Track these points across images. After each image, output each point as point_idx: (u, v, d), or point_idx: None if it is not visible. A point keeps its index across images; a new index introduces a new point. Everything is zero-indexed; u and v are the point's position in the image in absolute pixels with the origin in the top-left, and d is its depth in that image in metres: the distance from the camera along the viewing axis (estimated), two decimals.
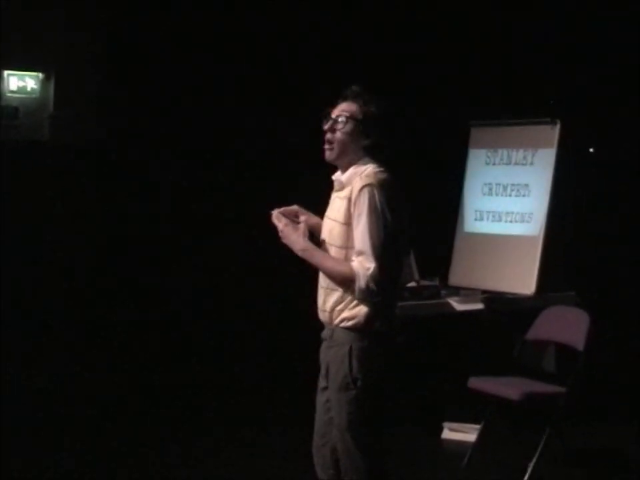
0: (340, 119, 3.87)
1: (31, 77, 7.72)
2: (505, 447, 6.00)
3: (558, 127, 6.85)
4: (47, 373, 7.20)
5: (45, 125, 7.81)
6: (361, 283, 3.70)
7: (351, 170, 3.87)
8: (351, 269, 3.73)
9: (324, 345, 3.94)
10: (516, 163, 7.12)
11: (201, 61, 7.91)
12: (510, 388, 5.62)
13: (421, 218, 7.27)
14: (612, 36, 7.67)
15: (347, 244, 3.80)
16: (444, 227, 7.41)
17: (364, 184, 3.75)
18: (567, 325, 5.93)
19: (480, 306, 6.59)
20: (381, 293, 3.73)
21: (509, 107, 7.45)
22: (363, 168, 3.85)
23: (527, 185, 7.00)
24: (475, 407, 5.95)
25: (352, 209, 3.77)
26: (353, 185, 3.79)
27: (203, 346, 7.71)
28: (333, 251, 3.85)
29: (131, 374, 7.34)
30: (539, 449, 5.51)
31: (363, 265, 3.70)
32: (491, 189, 7.25)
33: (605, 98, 7.68)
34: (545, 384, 5.80)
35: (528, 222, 6.93)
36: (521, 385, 5.67)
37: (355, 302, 3.79)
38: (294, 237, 3.88)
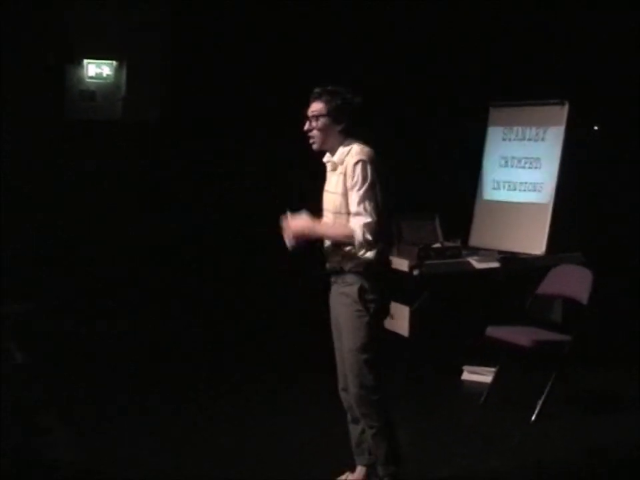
0: (313, 119, 4.21)
1: (106, 64, 7.71)
2: (517, 388, 6.01)
3: (566, 107, 6.80)
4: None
5: (118, 106, 7.82)
6: (359, 236, 4.04)
7: (340, 150, 4.20)
8: (349, 227, 4.08)
9: (334, 288, 4.27)
10: (529, 139, 7.07)
11: (264, 45, 7.84)
12: (522, 336, 5.62)
13: (445, 187, 7.30)
14: (617, 22, 7.56)
15: (347, 210, 4.13)
16: (465, 195, 7.39)
17: (356, 159, 4.10)
18: (573, 282, 5.90)
19: (496, 264, 6.57)
20: (376, 242, 4.07)
21: (523, 90, 7.39)
22: (348, 148, 4.18)
23: (538, 159, 6.96)
24: (491, 353, 5.97)
25: (347, 181, 4.11)
26: (347, 162, 4.13)
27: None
28: (338, 217, 4.16)
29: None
30: (547, 390, 5.53)
31: (359, 223, 4.04)
32: (506, 162, 7.21)
33: (609, 80, 7.59)
34: (552, 333, 5.79)
35: (539, 191, 6.90)
36: (531, 334, 5.67)
37: (360, 253, 4.13)
38: (299, 225, 4.16)
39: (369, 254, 4.13)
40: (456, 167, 7.67)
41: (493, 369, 5.98)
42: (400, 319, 6.76)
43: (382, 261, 4.20)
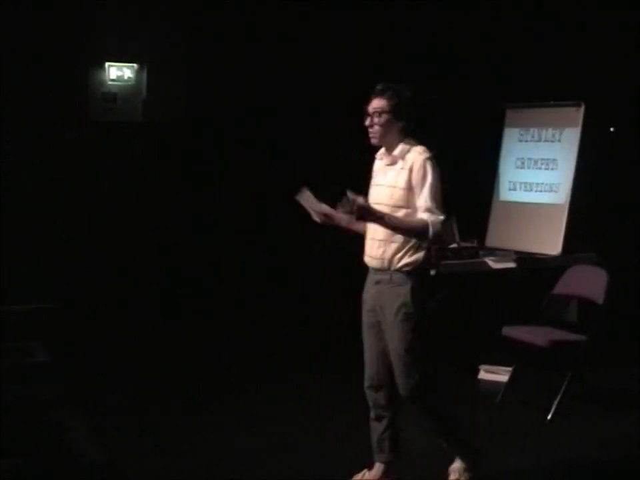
0: (375, 114, 4.20)
1: (127, 67, 7.74)
2: (532, 387, 6.01)
3: (582, 109, 6.80)
4: None
5: (139, 108, 7.86)
6: (434, 230, 4.04)
7: (400, 147, 4.20)
8: (424, 221, 4.05)
9: (378, 287, 4.21)
10: (545, 140, 7.08)
11: (283, 49, 7.85)
12: (538, 336, 5.63)
13: (462, 188, 7.28)
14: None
15: (408, 204, 4.13)
16: (482, 196, 7.40)
17: (425, 158, 4.12)
18: (589, 282, 5.90)
19: (513, 265, 6.58)
20: (441, 239, 4.20)
21: (539, 91, 7.39)
22: (408, 145, 4.19)
23: (554, 160, 6.96)
24: (507, 352, 5.98)
25: (413, 177, 4.11)
26: (414, 158, 4.14)
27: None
28: (396, 211, 4.13)
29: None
30: (563, 389, 5.54)
31: (433, 218, 4.04)
32: (523, 163, 7.21)
33: (625, 82, 7.56)
34: (568, 333, 5.80)
35: (555, 192, 6.90)
36: (547, 334, 5.68)
37: (412, 250, 4.14)
38: (369, 208, 4.09)
39: (419, 253, 4.14)
40: (473, 168, 7.67)
41: (509, 369, 5.99)
42: None
43: (429, 260, 4.25)
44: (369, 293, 4.30)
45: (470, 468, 4.36)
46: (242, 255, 7.95)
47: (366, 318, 4.34)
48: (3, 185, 7.09)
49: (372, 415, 4.40)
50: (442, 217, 4.07)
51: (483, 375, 6.37)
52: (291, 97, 7.95)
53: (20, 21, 7.20)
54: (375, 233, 4.23)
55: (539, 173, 7.06)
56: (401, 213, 4.13)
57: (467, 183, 7.47)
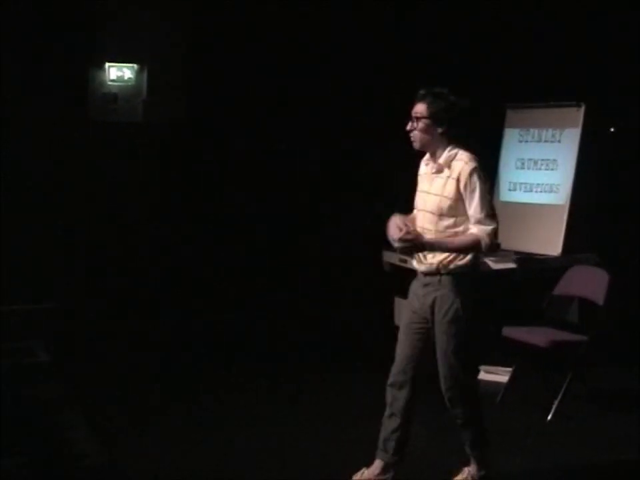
0: (415, 119, 4.20)
1: (127, 67, 7.74)
2: (533, 388, 5.99)
3: (583, 109, 6.79)
4: None
5: (139, 108, 7.86)
6: (487, 241, 4.08)
7: (445, 155, 4.20)
8: (475, 235, 4.10)
9: (427, 289, 4.24)
10: (545, 141, 7.07)
11: (283, 49, 7.89)
12: (538, 336, 5.62)
13: None
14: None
15: (456, 213, 4.15)
16: None
17: (472, 168, 4.11)
18: (589, 282, 5.89)
19: (513, 265, 6.57)
20: (498, 246, 4.19)
21: (540, 92, 7.38)
22: (453, 153, 4.19)
23: (554, 160, 6.95)
24: (508, 353, 5.96)
25: (462, 188, 4.11)
26: (461, 168, 4.12)
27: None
28: (442, 220, 4.17)
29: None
30: (563, 390, 5.53)
31: (486, 230, 4.08)
32: (523, 163, 7.21)
33: (626, 82, 7.56)
34: (569, 333, 5.79)
35: (555, 192, 6.89)
36: (548, 334, 5.67)
37: (462, 255, 4.16)
38: (419, 243, 4.12)
39: (468, 257, 4.17)
40: None
41: (510, 369, 5.98)
42: None
43: (477, 263, 4.26)
44: (416, 295, 4.33)
45: (481, 464, 4.42)
46: (242, 254, 7.95)
47: (407, 318, 4.39)
48: (3, 184, 7.09)
49: (387, 412, 4.43)
50: (492, 227, 4.09)
51: (483, 375, 6.34)
52: (291, 97, 7.95)
53: (20, 21, 7.19)
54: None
55: (539, 174, 7.05)
56: (448, 222, 4.16)
57: None
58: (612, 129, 7.60)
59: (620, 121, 7.49)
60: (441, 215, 4.18)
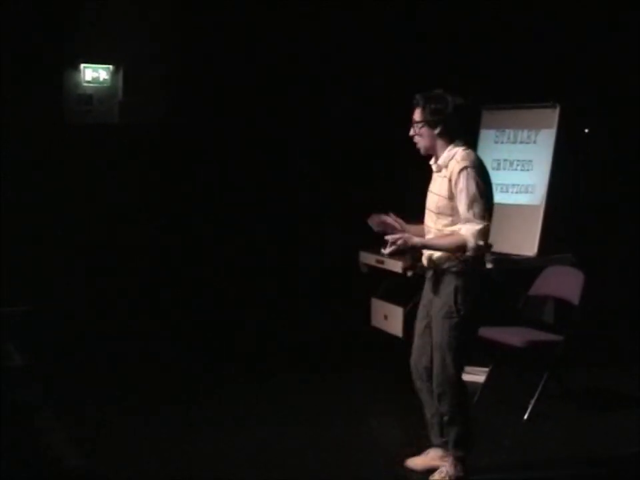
0: (415, 125, 4.33)
1: (103, 69, 7.71)
2: (509, 388, 6.02)
3: (558, 109, 6.81)
4: None
5: (115, 110, 7.82)
6: (472, 243, 4.13)
7: (445, 154, 4.29)
8: (461, 236, 4.15)
9: (430, 285, 4.39)
10: (521, 142, 7.08)
11: (259, 49, 7.89)
12: (514, 336, 5.63)
13: None
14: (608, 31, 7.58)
15: (452, 212, 4.23)
16: None
17: (461, 167, 4.18)
18: (564, 282, 5.91)
19: (489, 265, 6.57)
20: (487, 246, 4.22)
21: (515, 93, 7.40)
22: (453, 151, 4.27)
23: (530, 161, 6.97)
24: (484, 353, 5.96)
25: (453, 187, 4.19)
26: (453, 168, 4.21)
27: None
28: (440, 218, 4.28)
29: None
30: (539, 389, 5.55)
31: (471, 230, 4.12)
32: (499, 164, 7.21)
33: (600, 84, 7.61)
34: (544, 333, 5.81)
35: (531, 193, 6.91)
36: (524, 334, 5.68)
37: (457, 254, 4.23)
38: (409, 242, 4.22)
39: (467, 254, 4.21)
40: None
41: (486, 369, 5.99)
42: (394, 320, 6.78)
43: (479, 260, 4.30)
44: (424, 290, 4.49)
45: (459, 465, 4.46)
46: (229, 254, 7.95)
47: (420, 312, 4.54)
48: None
49: (422, 401, 4.59)
50: (478, 227, 4.12)
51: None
52: (268, 98, 7.94)
53: None
54: (427, 235, 4.40)
55: (514, 174, 7.06)
56: (446, 221, 4.26)
57: None
58: (587, 130, 7.65)
59: (594, 122, 7.54)
60: (438, 214, 4.29)
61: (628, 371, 6.51)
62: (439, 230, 4.32)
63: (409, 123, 4.40)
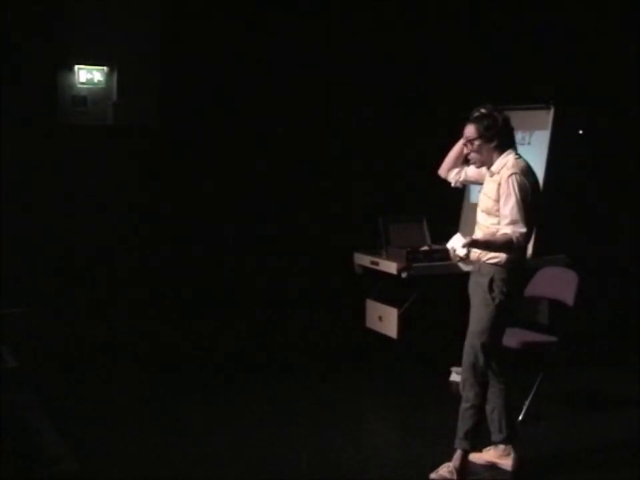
0: (469, 143, 4.60)
1: (97, 70, 7.70)
2: None
3: (552, 111, 6.81)
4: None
5: (109, 111, 7.81)
6: (516, 243, 4.41)
7: (498, 161, 4.57)
8: (509, 236, 4.42)
9: (472, 277, 4.66)
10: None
11: (252, 52, 7.91)
12: (509, 337, 5.57)
13: (433, 190, 7.32)
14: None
15: (497, 213, 4.51)
16: (452, 199, 7.40)
17: (510, 173, 4.46)
18: (559, 283, 5.90)
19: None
20: (526, 248, 4.56)
21: (509, 94, 7.41)
22: (506, 159, 4.55)
23: None
24: None
25: (501, 191, 4.47)
26: (502, 174, 4.50)
27: None
28: (488, 217, 4.57)
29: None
30: (533, 390, 5.55)
31: (517, 231, 4.41)
32: None
33: (595, 85, 7.62)
34: (539, 334, 5.80)
35: None
36: (518, 335, 5.67)
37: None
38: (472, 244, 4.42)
39: (511, 254, 4.49)
40: None
41: None
42: (389, 321, 6.77)
43: (518, 258, 4.53)
44: (469, 284, 4.72)
45: (464, 460, 4.59)
46: (214, 257, 7.94)
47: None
48: None
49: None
50: (524, 230, 4.41)
51: (454, 376, 6.33)
52: (263, 100, 7.95)
53: None
54: (476, 230, 4.70)
55: None
56: (493, 220, 4.54)
57: (437, 185, 7.46)
58: (581, 131, 7.65)
59: (589, 123, 7.54)
60: (486, 213, 4.59)
61: (622, 372, 6.51)
62: (487, 227, 4.60)
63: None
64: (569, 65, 7.69)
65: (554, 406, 5.81)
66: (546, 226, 6.74)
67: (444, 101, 7.77)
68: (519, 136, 6.97)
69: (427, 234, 6.91)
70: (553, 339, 5.63)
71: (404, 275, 6.43)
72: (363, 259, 7.02)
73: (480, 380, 4.57)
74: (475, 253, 4.54)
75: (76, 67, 7.62)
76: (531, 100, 7.02)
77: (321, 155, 8.19)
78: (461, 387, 4.65)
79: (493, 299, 4.52)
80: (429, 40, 8.02)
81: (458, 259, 4.39)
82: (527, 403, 5.52)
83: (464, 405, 4.61)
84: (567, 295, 5.72)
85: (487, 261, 4.55)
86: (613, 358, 6.85)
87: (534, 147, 6.88)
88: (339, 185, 8.23)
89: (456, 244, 4.38)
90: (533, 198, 4.47)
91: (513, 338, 5.58)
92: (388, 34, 8.09)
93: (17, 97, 7.21)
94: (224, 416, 5.53)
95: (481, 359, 4.56)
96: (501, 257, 4.51)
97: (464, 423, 4.61)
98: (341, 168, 8.23)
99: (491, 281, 4.53)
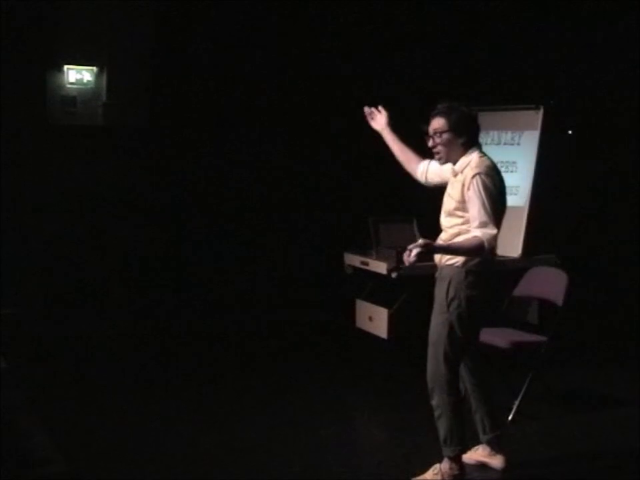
0: (436, 135, 4.41)
1: (87, 70, 7.69)
2: (494, 388, 5.93)
3: (541, 112, 6.83)
4: None
5: (99, 112, 7.80)
6: (488, 246, 4.22)
7: (461, 160, 4.40)
8: (479, 239, 4.23)
9: (436, 281, 4.51)
10: (505, 143, 7.10)
11: (244, 51, 7.91)
12: (499, 337, 5.63)
13: (423, 191, 7.32)
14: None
15: (463, 214, 4.35)
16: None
17: (474, 173, 4.29)
18: (548, 283, 5.91)
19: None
20: (495, 248, 4.34)
21: (499, 94, 7.44)
22: (469, 158, 4.38)
23: (514, 162, 6.99)
24: None
25: (465, 192, 4.30)
26: (466, 173, 4.33)
27: None
28: (450, 218, 4.41)
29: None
30: (523, 390, 5.55)
31: (487, 232, 4.22)
32: None
33: (583, 87, 7.65)
34: (529, 334, 5.80)
35: (515, 194, 6.91)
36: (508, 335, 5.68)
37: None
38: (430, 249, 4.25)
39: (479, 257, 4.32)
40: None
41: None
42: (379, 321, 6.78)
43: (483, 259, 4.34)
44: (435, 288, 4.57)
45: (454, 463, 4.50)
46: (207, 254, 7.94)
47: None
48: None
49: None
50: (494, 231, 4.24)
51: None
52: (253, 101, 7.95)
53: None
54: (441, 235, 4.51)
55: None
56: (456, 221, 4.38)
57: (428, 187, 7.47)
58: (570, 131, 7.67)
59: (578, 123, 7.57)
60: (449, 215, 4.44)
61: (612, 371, 6.53)
62: (451, 228, 4.43)
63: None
64: (559, 65, 7.71)
65: (544, 406, 5.80)
66: (536, 226, 6.79)
67: (434, 102, 7.77)
68: (509, 136, 7.06)
69: (417, 234, 6.91)
70: (543, 338, 5.64)
71: (394, 275, 6.43)
72: (353, 259, 7.03)
73: (445, 388, 4.44)
74: (437, 255, 4.43)
75: (65, 67, 7.61)
76: (520, 100, 7.04)
77: (312, 155, 8.19)
78: (430, 394, 4.52)
79: (449, 305, 4.36)
80: (415, 41, 8.03)
81: (407, 264, 4.14)
82: (516, 403, 5.52)
83: (435, 413, 4.50)
84: (557, 294, 5.73)
85: (446, 263, 4.41)
86: (602, 358, 6.87)
87: (524, 147, 6.91)
88: (330, 185, 8.23)
89: (415, 248, 4.15)
90: (499, 197, 4.32)
91: (502, 338, 5.60)
92: (378, 35, 8.09)
93: (7, 98, 7.19)
94: (214, 415, 5.52)
95: (443, 368, 4.42)
96: (459, 258, 4.35)
97: (440, 431, 4.50)
98: (330, 168, 8.22)
99: (449, 284, 4.36)
